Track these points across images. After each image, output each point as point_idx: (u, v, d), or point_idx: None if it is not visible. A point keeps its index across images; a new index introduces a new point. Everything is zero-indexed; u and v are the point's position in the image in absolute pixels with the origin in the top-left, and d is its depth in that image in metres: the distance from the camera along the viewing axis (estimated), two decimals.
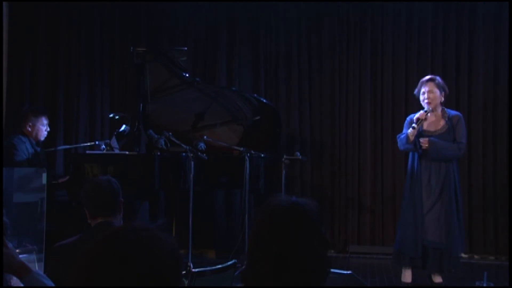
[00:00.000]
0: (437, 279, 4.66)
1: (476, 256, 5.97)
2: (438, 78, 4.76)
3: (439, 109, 4.75)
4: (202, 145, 5.00)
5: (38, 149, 5.00)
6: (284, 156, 5.29)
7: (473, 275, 4.85)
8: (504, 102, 5.99)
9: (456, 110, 6.04)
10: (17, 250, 2.60)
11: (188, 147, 4.67)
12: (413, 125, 4.60)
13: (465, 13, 6.14)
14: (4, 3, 6.30)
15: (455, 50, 6.14)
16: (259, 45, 6.49)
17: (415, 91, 4.82)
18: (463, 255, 5.95)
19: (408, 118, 4.84)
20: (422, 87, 4.73)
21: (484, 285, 4.24)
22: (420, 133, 4.65)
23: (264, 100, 5.71)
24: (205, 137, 5.13)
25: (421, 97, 4.72)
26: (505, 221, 5.79)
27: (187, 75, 5.31)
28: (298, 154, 5.43)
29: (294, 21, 6.44)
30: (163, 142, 4.74)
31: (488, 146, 6.06)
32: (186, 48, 5.42)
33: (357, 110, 6.31)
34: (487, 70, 6.09)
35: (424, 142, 4.61)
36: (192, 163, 4.60)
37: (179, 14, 6.54)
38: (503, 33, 5.99)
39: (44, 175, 4.27)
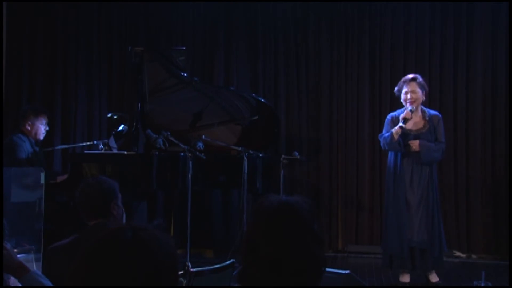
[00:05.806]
0: (434, 278, 4.66)
1: (474, 256, 5.97)
2: (419, 77, 4.78)
3: (419, 109, 4.76)
4: (200, 145, 4.99)
5: (37, 148, 5.00)
6: (283, 156, 5.30)
7: (471, 275, 4.86)
8: (502, 102, 5.99)
9: (454, 110, 6.09)
10: (15, 250, 2.59)
11: (186, 147, 4.66)
12: (401, 124, 4.60)
13: (462, 13, 6.14)
14: (3, 3, 6.28)
15: (453, 50, 6.14)
16: (257, 45, 6.48)
17: (396, 89, 4.83)
18: (461, 254, 5.97)
19: (388, 117, 4.85)
20: (404, 87, 4.73)
21: (482, 284, 4.23)
22: (402, 133, 4.66)
23: (262, 100, 5.71)
24: (203, 136, 5.13)
25: (403, 96, 4.73)
26: (503, 220, 5.78)
27: (185, 74, 5.31)
28: (297, 154, 5.42)
29: (293, 21, 6.44)
30: (161, 142, 4.73)
31: (486, 146, 6.05)
32: (184, 48, 5.43)
33: (355, 110, 6.31)
34: (485, 70, 6.09)
35: (414, 144, 4.62)
36: (190, 162, 4.60)
37: (178, 14, 6.53)
38: (501, 33, 5.99)
39: (42, 175, 4.26)
